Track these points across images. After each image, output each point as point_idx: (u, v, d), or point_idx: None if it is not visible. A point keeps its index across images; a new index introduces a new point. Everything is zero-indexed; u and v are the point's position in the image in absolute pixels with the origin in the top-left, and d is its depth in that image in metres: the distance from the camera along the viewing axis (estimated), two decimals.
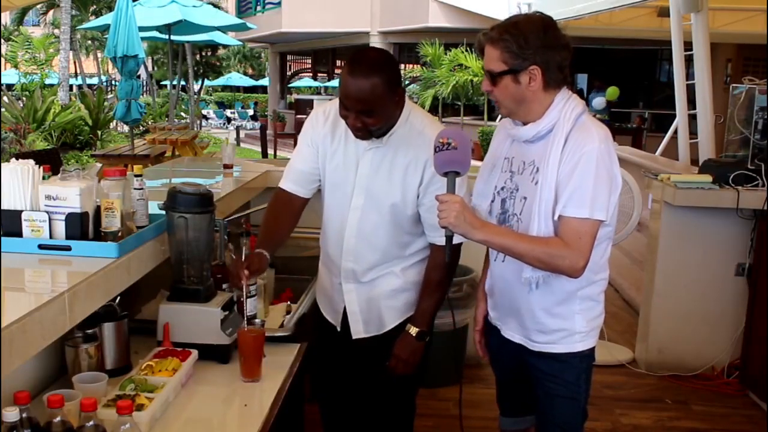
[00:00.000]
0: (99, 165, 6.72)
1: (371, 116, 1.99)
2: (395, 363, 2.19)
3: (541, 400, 2.11)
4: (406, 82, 16.94)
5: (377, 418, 2.36)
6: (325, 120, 2.20)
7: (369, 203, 2.14)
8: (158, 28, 10.56)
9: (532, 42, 1.85)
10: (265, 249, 2.17)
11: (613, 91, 11.33)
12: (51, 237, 1.86)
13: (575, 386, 2.07)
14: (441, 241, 2.05)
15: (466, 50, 13.00)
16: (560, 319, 2.01)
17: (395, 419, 2.37)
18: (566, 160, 1.87)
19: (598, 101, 10.98)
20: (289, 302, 2.60)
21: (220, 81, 31.51)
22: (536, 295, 2.00)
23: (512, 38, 1.85)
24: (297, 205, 2.27)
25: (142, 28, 7.93)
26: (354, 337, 2.28)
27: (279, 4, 18.07)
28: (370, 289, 2.23)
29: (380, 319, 2.25)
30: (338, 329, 2.31)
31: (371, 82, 1.94)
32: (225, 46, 25.05)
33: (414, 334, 2.17)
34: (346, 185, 2.16)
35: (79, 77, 27.80)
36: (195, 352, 1.97)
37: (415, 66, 16.24)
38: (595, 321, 2.07)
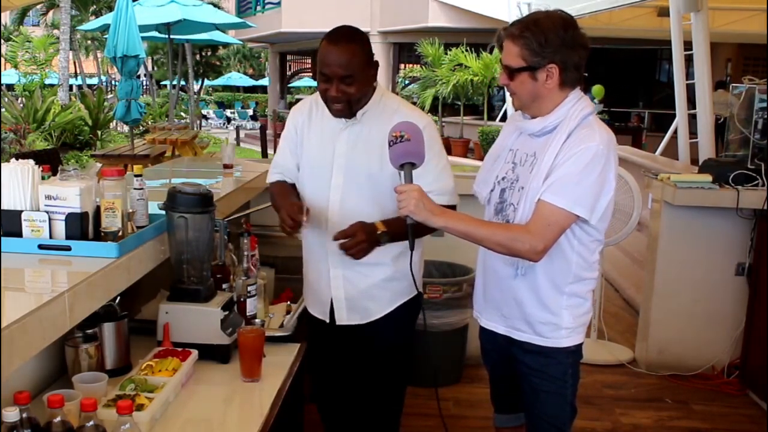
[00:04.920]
0: (99, 165, 6.73)
1: (352, 84, 2.07)
2: (351, 235, 2.05)
3: (528, 395, 2.13)
4: (406, 82, 16.92)
5: (366, 412, 2.36)
6: (299, 113, 2.30)
7: (349, 181, 2.19)
8: (158, 28, 10.55)
9: (552, 41, 1.88)
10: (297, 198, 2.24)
11: (598, 90, 11.35)
12: (51, 237, 1.86)
13: (562, 381, 2.08)
14: (436, 201, 2.09)
15: (467, 50, 13.00)
16: (548, 313, 2.03)
17: (382, 414, 2.37)
18: (565, 153, 1.90)
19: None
20: (289, 302, 2.60)
21: (220, 81, 31.50)
22: (523, 282, 2.02)
23: (533, 36, 1.89)
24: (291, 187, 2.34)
25: (141, 27, 7.91)
26: (338, 323, 2.29)
27: (279, 3, 18.07)
28: (361, 279, 2.24)
29: (366, 308, 2.26)
30: (327, 321, 2.31)
31: (351, 48, 2.06)
32: (225, 46, 25.05)
33: (378, 231, 2.07)
34: (324, 166, 2.21)
35: (79, 77, 27.79)
36: (195, 352, 1.98)
37: (415, 66, 16.24)
38: (581, 318, 2.08)
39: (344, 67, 2.05)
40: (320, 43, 2.10)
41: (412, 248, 1.95)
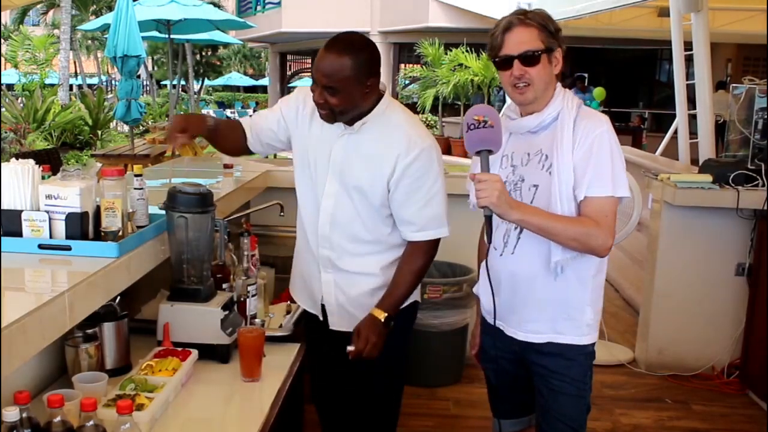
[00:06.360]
0: (99, 164, 6.71)
1: (334, 95, 1.98)
2: (363, 345, 2.10)
3: (545, 397, 2.09)
4: (406, 82, 16.91)
5: (362, 414, 2.35)
6: (304, 105, 2.20)
7: (342, 190, 2.13)
8: (158, 27, 10.55)
9: (556, 26, 1.93)
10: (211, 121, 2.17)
11: (599, 92, 11.39)
12: (51, 237, 1.86)
13: (582, 383, 2.07)
14: (416, 236, 2.13)
15: (467, 50, 12.99)
16: (570, 309, 2.01)
17: (379, 417, 2.36)
18: (579, 144, 1.90)
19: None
20: (289, 302, 2.59)
21: (220, 81, 31.49)
22: (556, 282, 1.99)
23: (546, 20, 1.91)
24: (243, 142, 2.28)
25: (141, 24, 7.90)
26: (331, 327, 2.27)
27: (279, 3, 18.05)
28: (351, 286, 2.21)
29: (355, 317, 2.21)
30: (320, 318, 2.30)
31: (341, 61, 1.96)
32: (225, 46, 25.05)
33: (382, 320, 2.11)
34: (319, 170, 2.16)
35: (79, 77, 27.78)
36: (195, 352, 1.98)
37: (415, 66, 16.23)
38: (598, 315, 2.08)
39: (328, 78, 1.97)
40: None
41: (489, 243, 1.90)
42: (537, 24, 1.91)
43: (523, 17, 1.92)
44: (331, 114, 2.04)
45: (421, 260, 2.16)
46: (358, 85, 2.00)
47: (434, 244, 2.16)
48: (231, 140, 2.29)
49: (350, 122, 2.09)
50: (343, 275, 2.21)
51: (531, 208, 1.92)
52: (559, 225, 1.89)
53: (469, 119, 1.84)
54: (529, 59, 1.90)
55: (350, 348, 2.12)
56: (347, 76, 1.96)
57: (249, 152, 2.35)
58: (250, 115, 2.40)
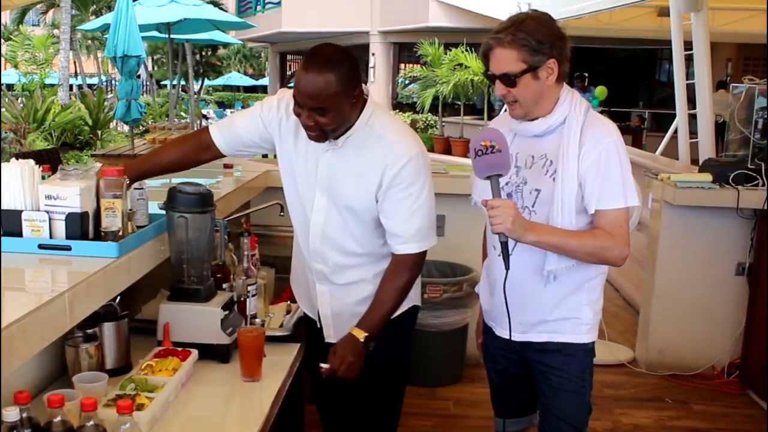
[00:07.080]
0: (99, 164, 6.70)
1: (324, 115, 1.90)
2: (339, 364, 2.03)
3: (546, 394, 2.09)
4: (406, 82, 16.91)
5: (363, 416, 2.34)
6: (287, 117, 2.09)
7: (331, 205, 2.08)
8: (158, 27, 10.55)
9: (546, 36, 1.87)
10: (128, 174, 2.01)
11: (601, 91, 11.39)
12: (51, 237, 1.86)
13: (580, 380, 2.07)
14: (403, 249, 2.06)
15: (467, 50, 12.99)
16: (568, 310, 2.01)
17: (379, 419, 2.34)
18: (586, 153, 1.89)
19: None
20: (289, 302, 2.59)
21: (220, 81, 31.49)
22: (552, 287, 1.99)
23: (528, 35, 1.85)
24: (208, 154, 2.22)
25: (141, 27, 7.90)
26: (326, 340, 2.22)
27: (279, 3, 18.05)
28: (345, 295, 2.18)
29: (349, 326, 2.16)
30: (318, 325, 2.28)
31: (324, 79, 1.86)
32: (225, 46, 25.05)
33: (362, 340, 2.04)
34: (306, 186, 2.11)
35: (79, 77, 27.77)
36: (195, 352, 1.98)
37: (415, 66, 16.23)
38: (598, 314, 2.08)
39: (314, 98, 1.87)
40: (300, 63, 1.99)
41: (507, 269, 1.86)
42: (517, 44, 1.85)
43: (502, 37, 1.87)
44: (322, 134, 1.96)
45: (405, 276, 2.10)
46: (346, 98, 1.92)
47: (419, 257, 2.11)
48: (189, 160, 2.24)
49: (326, 139, 2.01)
50: (338, 287, 2.18)
51: (545, 228, 1.91)
52: (574, 242, 1.89)
53: (476, 145, 1.82)
54: (509, 80, 1.89)
55: (324, 366, 2.05)
56: (334, 92, 1.87)
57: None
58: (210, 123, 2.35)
